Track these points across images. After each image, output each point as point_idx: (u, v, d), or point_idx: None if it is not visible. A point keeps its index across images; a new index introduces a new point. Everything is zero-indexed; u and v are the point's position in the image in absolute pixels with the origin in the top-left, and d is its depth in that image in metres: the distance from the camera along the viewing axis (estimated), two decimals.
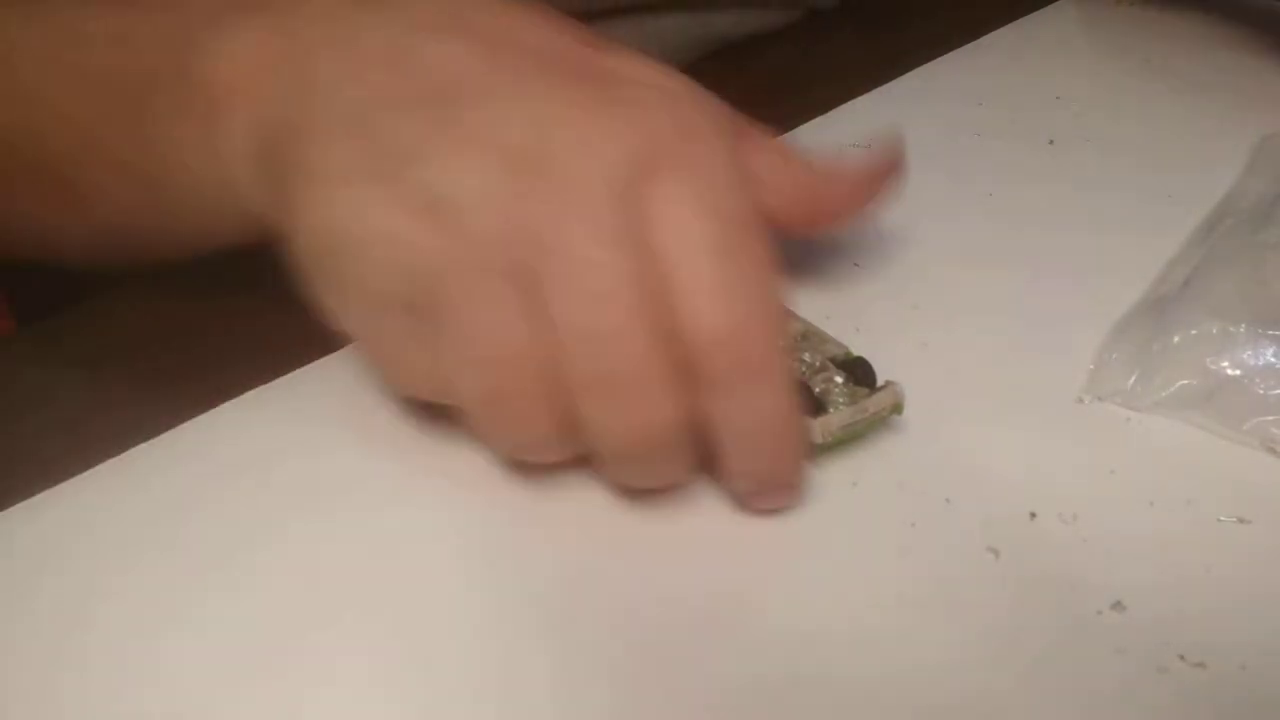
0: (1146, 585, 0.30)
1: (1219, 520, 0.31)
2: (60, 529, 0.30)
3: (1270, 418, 0.33)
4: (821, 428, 0.31)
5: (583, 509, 0.31)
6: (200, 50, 0.29)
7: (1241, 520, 0.31)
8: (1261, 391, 0.33)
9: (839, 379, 0.32)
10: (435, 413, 0.32)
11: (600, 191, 0.25)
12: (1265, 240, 0.37)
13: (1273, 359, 0.34)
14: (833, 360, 0.33)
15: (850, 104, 0.47)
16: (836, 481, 0.32)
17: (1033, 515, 0.31)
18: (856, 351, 0.33)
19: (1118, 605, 0.29)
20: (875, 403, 0.32)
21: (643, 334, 0.25)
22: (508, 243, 0.25)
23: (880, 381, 0.32)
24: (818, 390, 0.32)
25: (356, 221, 0.26)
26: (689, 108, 0.28)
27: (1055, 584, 0.30)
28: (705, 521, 0.31)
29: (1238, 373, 0.34)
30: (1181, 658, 0.28)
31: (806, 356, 0.33)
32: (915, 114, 0.47)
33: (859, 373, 0.32)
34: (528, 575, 0.29)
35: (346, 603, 0.29)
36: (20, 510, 0.30)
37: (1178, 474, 0.32)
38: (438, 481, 0.31)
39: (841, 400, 0.32)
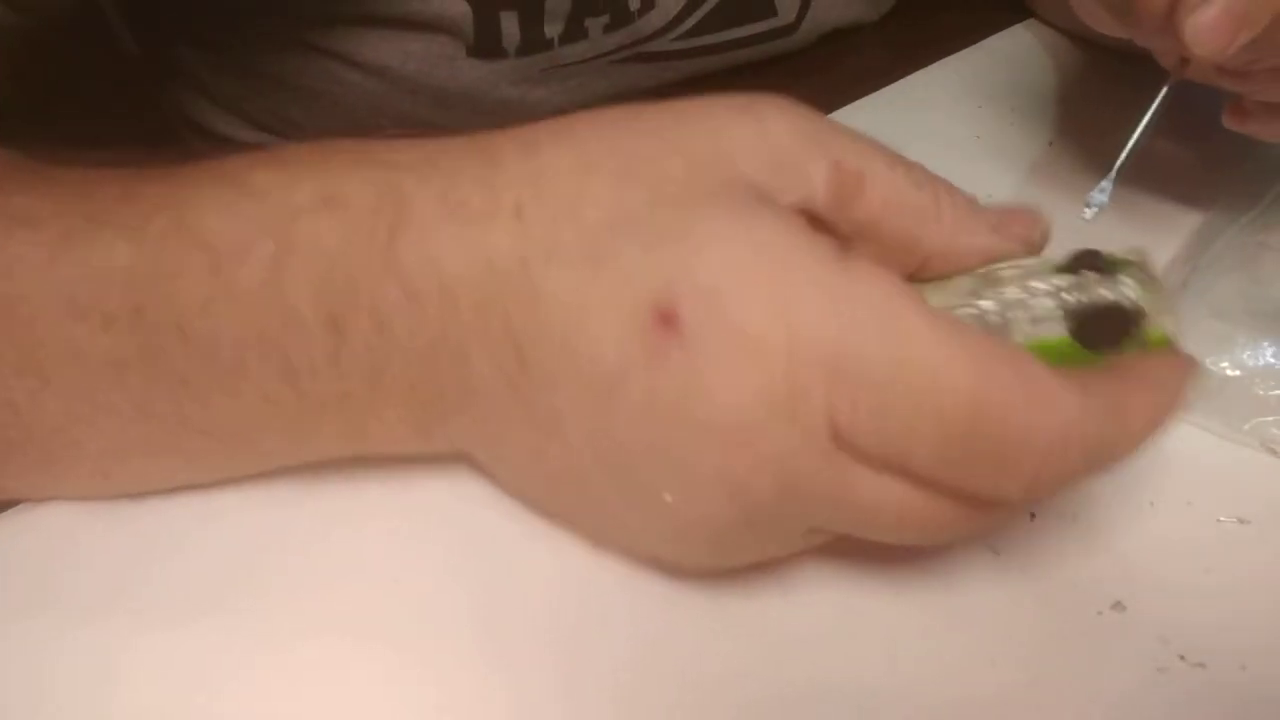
0: (1146, 585, 0.30)
1: (1219, 520, 0.31)
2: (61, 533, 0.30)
3: (1270, 418, 0.33)
4: (1171, 322, 0.27)
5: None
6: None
7: (1241, 520, 0.31)
8: (1261, 392, 0.34)
9: (1099, 279, 0.27)
10: None
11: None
12: (1264, 241, 0.38)
13: (1272, 359, 0.34)
14: (1063, 269, 0.28)
15: (852, 106, 0.47)
16: None
17: (1032, 515, 0.31)
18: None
19: (1118, 605, 0.29)
20: (1150, 268, 0.28)
21: None
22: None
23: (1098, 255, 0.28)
24: (1111, 297, 0.27)
25: None
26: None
27: (1055, 584, 0.30)
28: None
29: (1238, 373, 0.34)
30: (1181, 658, 0.28)
31: (1036, 286, 0.27)
32: (916, 116, 0.47)
33: (1090, 260, 0.28)
34: (531, 587, 0.30)
35: (344, 610, 0.29)
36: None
37: (1178, 474, 0.32)
38: (437, 494, 0.31)
39: (1141, 286, 0.27)
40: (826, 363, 0.24)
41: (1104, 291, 0.27)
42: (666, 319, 0.24)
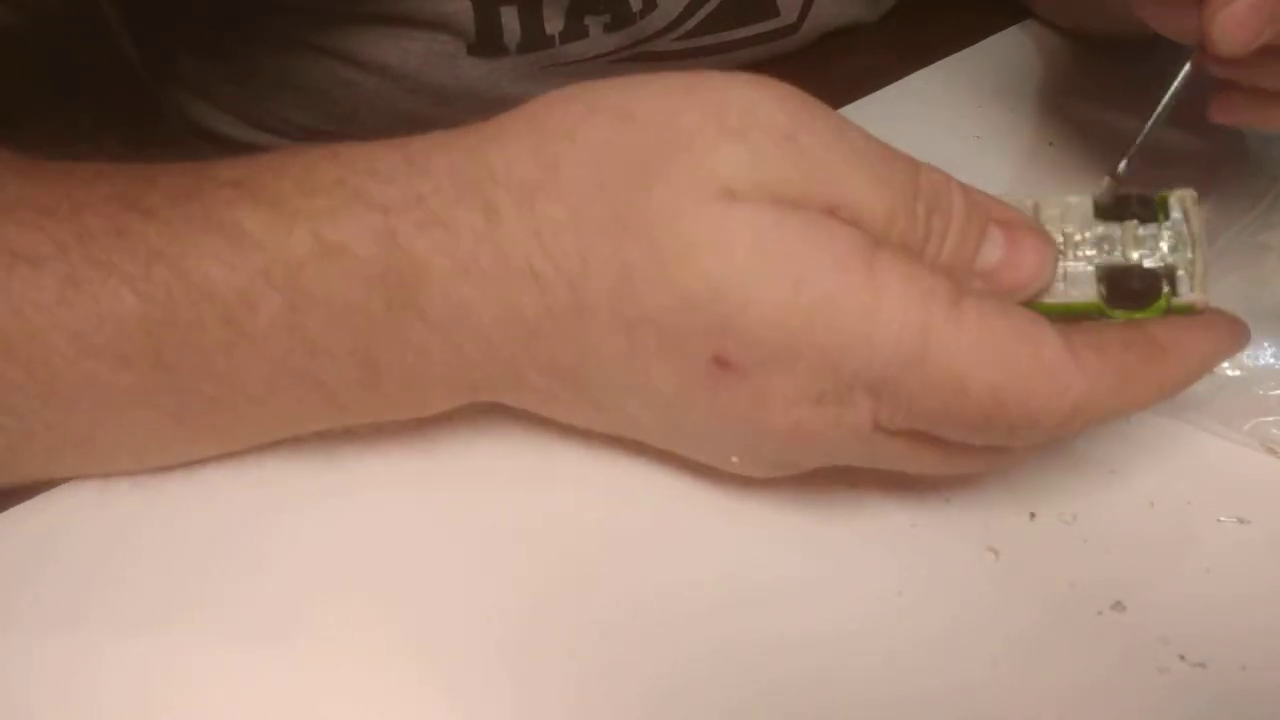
0: (1146, 585, 0.30)
1: (1219, 520, 0.31)
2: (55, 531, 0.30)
3: (1270, 418, 0.33)
4: (1200, 296, 0.28)
5: (581, 508, 0.31)
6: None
7: (1241, 520, 0.31)
8: (1261, 392, 0.34)
9: (1140, 230, 0.28)
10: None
11: None
12: (1265, 241, 0.38)
13: (1272, 360, 0.34)
14: (1100, 212, 0.29)
15: (852, 106, 0.47)
16: (837, 481, 0.32)
17: (1032, 515, 0.31)
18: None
19: (1118, 605, 0.29)
20: (1195, 219, 0.28)
21: None
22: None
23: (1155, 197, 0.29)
24: (1141, 258, 0.28)
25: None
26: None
27: (1055, 584, 0.30)
28: (705, 522, 0.31)
29: (1238, 373, 0.34)
30: (1181, 658, 0.28)
31: (1073, 234, 0.28)
32: (916, 116, 0.47)
33: (1137, 206, 0.28)
34: (529, 571, 0.30)
35: (347, 594, 0.29)
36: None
37: (1178, 474, 0.32)
38: (438, 480, 0.32)
39: (1174, 248, 0.28)
40: (869, 384, 0.26)
41: (1136, 252, 0.28)
42: (721, 364, 0.26)
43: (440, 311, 0.27)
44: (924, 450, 0.28)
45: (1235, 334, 0.28)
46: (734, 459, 0.29)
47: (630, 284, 0.26)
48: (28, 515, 0.30)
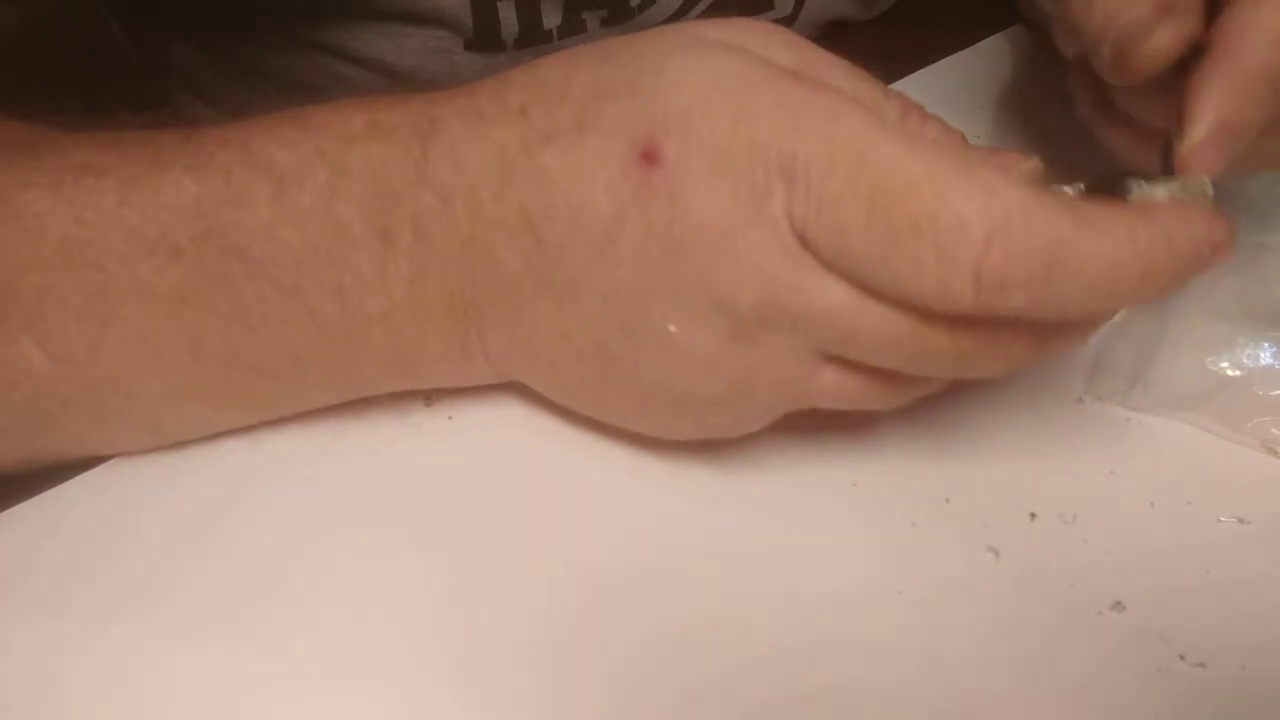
0: (1146, 585, 0.30)
1: (1219, 520, 0.31)
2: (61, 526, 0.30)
3: (1270, 418, 0.33)
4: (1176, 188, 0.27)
5: (588, 511, 0.31)
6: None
7: (1241, 520, 0.31)
8: (1261, 392, 0.33)
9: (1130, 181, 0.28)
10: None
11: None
12: (1265, 241, 0.37)
13: (1272, 360, 0.34)
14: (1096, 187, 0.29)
15: None
16: (837, 481, 0.32)
17: (1033, 515, 0.31)
18: None
19: (1118, 605, 0.29)
20: (1196, 182, 0.28)
21: None
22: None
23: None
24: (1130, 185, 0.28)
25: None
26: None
27: (1055, 584, 0.30)
28: (703, 519, 0.31)
29: (1238, 373, 0.34)
30: (1181, 658, 0.28)
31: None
32: None
33: (1127, 184, 0.29)
34: (529, 575, 0.30)
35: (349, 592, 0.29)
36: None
37: (1178, 474, 0.32)
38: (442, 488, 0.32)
39: (1161, 180, 0.28)
40: (781, 162, 0.26)
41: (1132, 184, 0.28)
42: (650, 156, 0.27)
43: (440, 169, 0.29)
44: (850, 298, 0.26)
45: (1212, 221, 0.26)
46: (671, 327, 0.28)
47: (596, 95, 0.28)
48: (29, 512, 0.30)
